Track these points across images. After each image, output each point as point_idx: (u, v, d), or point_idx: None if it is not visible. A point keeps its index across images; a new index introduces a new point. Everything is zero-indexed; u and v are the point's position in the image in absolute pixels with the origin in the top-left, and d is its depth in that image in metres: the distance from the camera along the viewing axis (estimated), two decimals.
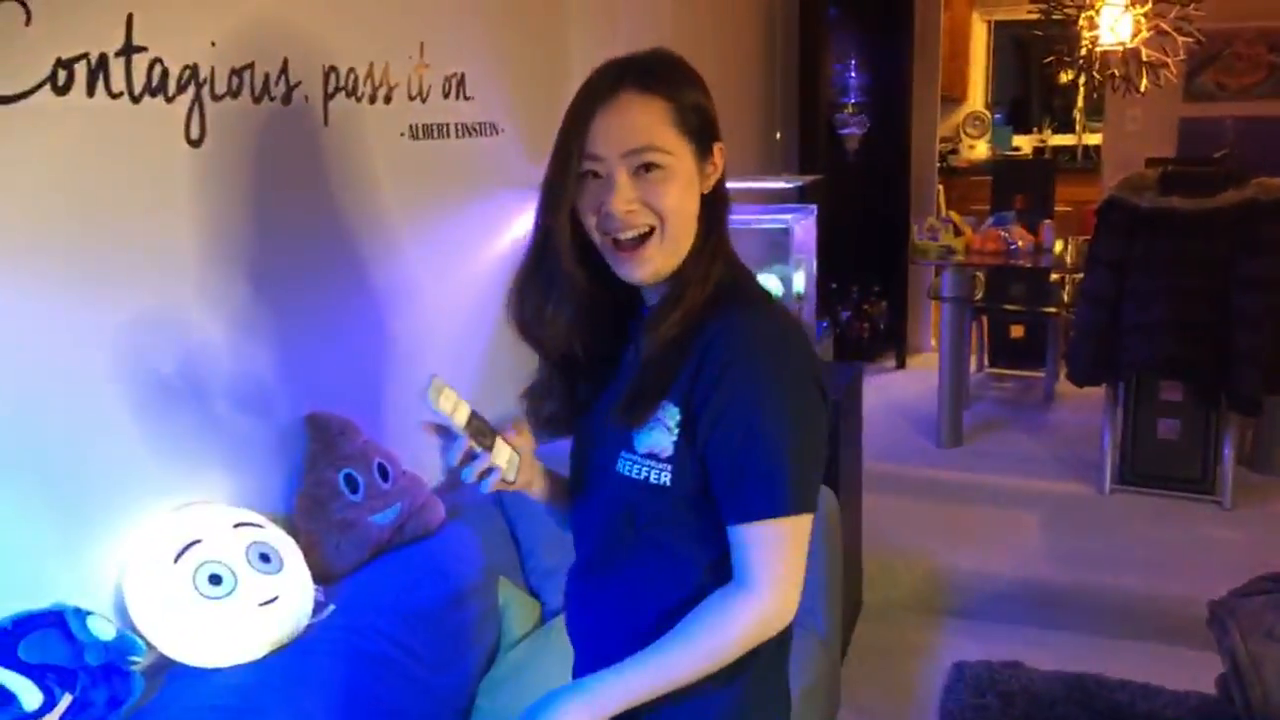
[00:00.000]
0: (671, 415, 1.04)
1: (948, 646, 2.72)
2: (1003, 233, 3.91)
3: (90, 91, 1.32)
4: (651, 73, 1.06)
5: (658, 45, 1.10)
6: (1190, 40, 3.86)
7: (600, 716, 1.02)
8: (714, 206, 1.10)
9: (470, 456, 1.05)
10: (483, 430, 1.06)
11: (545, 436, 1.20)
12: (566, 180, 1.05)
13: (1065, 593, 2.85)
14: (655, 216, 1.04)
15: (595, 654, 1.13)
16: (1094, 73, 4.11)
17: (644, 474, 1.06)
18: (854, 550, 2.74)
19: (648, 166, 1.04)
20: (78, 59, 1.29)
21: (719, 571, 1.05)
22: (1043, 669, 2.54)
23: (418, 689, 1.62)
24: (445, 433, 1.04)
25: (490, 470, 1.06)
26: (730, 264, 1.11)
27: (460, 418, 1.03)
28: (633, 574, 1.10)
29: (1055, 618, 2.81)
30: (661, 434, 1.04)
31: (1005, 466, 3.67)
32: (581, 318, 1.12)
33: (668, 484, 1.05)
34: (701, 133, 1.08)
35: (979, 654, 2.63)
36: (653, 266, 1.06)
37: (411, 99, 1.97)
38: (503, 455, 1.07)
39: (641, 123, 1.03)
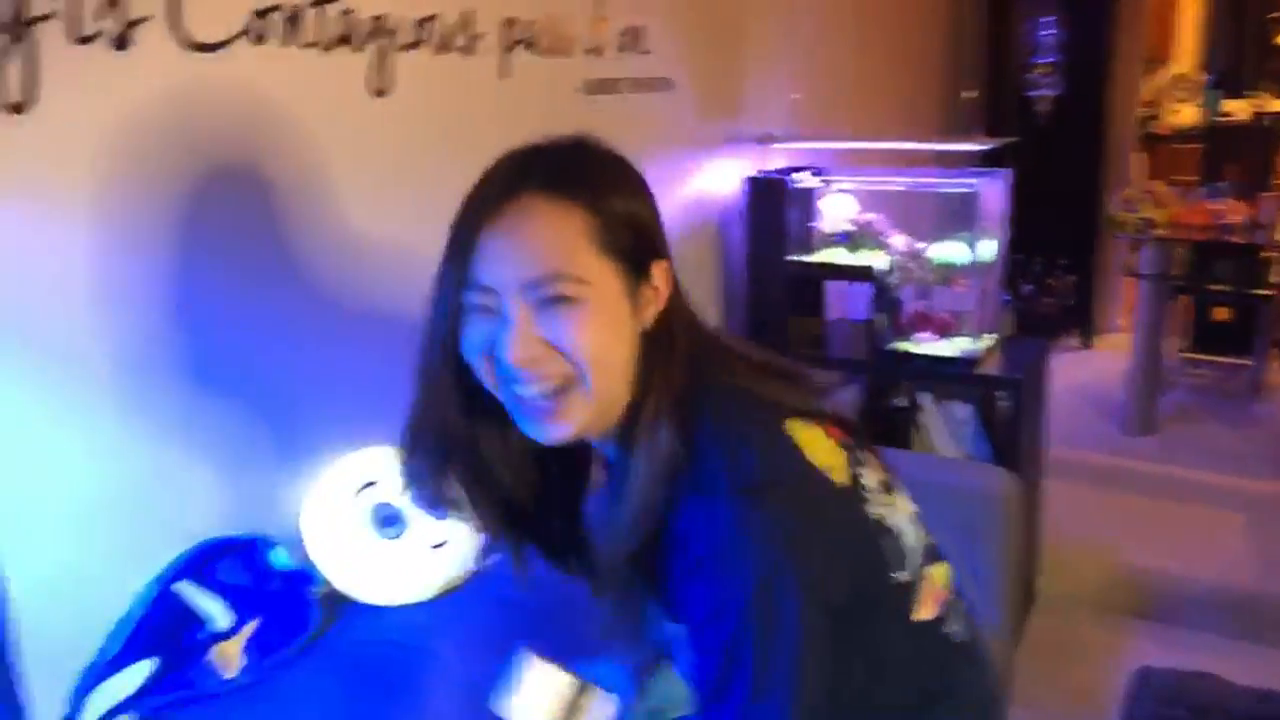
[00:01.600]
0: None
1: (1129, 650, 2.52)
2: (1211, 206, 3.56)
3: (285, 42, 1.35)
4: (565, 169, 0.82)
5: (580, 131, 0.86)
6: None
7: None
8: (659, 344, 0.84)
9: None
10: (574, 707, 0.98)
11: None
12: (446, 315, 0.82)
13: (1269, 604, 2.58)
14: (569, 364, 0.80)
15: None
16: None
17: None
18: (1032, 538, 2.57)
19: (555, 300, 0.79)
20: (273, 9, 1.32)
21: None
22: (1239, 684, 2.31)
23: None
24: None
25: None
26: (689, 416, 0.81)
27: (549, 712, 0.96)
28: None
29: (1256, 631, 2.55)
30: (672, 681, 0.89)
31: (1204, 461, 3.36)
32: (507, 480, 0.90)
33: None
34: (635, 252, 0.82)
35: (1165, 661, 2.41)
36: (576, 425, 0.82)
37: (588, 53, 1.95)
38: None
39: (548, 240, 0.78)
